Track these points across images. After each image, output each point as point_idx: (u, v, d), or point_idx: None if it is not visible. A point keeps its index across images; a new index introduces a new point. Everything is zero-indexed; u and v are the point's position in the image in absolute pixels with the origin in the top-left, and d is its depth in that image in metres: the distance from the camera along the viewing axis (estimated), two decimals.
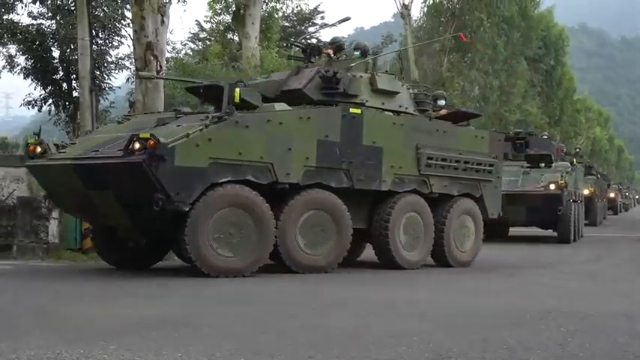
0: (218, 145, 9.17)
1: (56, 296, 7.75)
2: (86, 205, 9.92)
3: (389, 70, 12.60)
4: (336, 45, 12.00)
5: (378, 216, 11.10)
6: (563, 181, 17.88)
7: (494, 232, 18.63)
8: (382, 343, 5.33)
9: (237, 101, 9.70)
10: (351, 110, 10.52)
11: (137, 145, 8.68)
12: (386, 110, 11.21)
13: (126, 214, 9.45)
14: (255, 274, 9.66)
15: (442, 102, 12.99)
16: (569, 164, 19.47)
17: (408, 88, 12.18)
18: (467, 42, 27.04)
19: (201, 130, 9.04)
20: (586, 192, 26.96)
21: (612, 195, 43.30)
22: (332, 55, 11.74)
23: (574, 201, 19.05)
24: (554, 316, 6.65)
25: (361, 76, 10.97)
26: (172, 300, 7.66)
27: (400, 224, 11.14)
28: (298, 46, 13.02)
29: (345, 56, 12.05)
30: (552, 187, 17.84)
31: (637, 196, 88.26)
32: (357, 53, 11.72)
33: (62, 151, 10.02)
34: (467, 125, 12.85)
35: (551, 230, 19.77)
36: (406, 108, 11.58)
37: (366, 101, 10.90)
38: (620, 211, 49.46)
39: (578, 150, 26.53)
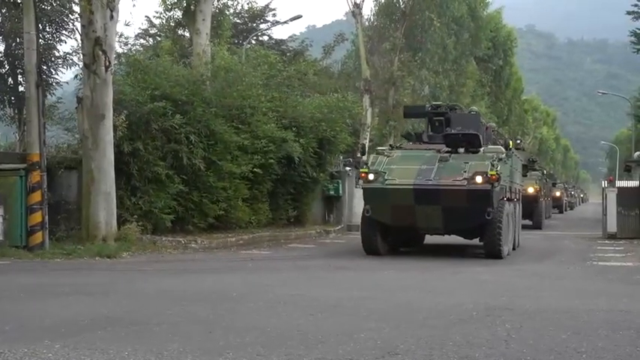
0: None
1: None
2: None
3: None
4: None
5: None
6: (494, 172, 12.71)
7: (404, 241, 15.14)
8: (330, 341, 5.36)
9: None
10: None
11: None
12: None
13: None
14: (199, 270, 9.61)
15: None
16: (502, 149, 14.51)
17: None
18: None
19: None
20: (531, 190, 25.14)
21: (558, 194, 43.95)
22: None
23: (509, 199, 14.36)
24: (499, 313, 6.77)
25: None
26: (118, 298, 7.58)
27: None
28: None
29: None
30: (479, 179, 12.73)
31: (582, 195, 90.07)
32: None
33: None
34: None
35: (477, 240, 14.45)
36: None
37: None
38: (566, 210, 50.31)
39: (519, 141, 20.65)
